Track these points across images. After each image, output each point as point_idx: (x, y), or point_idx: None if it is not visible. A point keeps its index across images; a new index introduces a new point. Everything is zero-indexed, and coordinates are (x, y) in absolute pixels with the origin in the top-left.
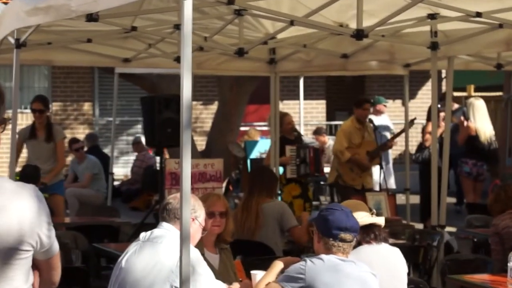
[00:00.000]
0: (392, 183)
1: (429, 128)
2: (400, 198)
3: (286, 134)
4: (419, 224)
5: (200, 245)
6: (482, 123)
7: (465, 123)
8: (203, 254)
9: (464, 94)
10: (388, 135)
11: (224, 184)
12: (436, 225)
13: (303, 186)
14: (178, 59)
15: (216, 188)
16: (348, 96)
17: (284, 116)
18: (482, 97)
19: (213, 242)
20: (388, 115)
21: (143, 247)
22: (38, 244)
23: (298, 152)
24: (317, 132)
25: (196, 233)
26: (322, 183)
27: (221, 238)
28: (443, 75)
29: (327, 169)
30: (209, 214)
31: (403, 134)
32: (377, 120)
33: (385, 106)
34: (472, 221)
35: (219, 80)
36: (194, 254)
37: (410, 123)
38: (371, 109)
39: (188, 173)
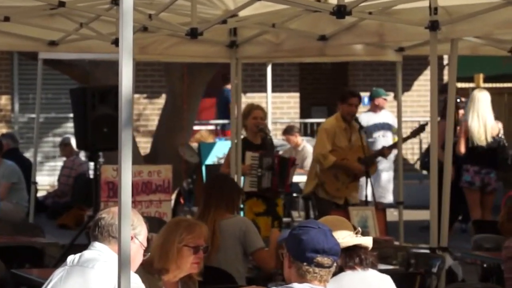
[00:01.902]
0: (389, 197)
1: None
2: (392, 214)
3: (251, 134)
4: (416, 245)
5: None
6: (473, 121)
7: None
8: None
9: (471, 85)
10: (390, 135)
11: (174, 196)
12: (436, 247)
13: (269, 201)
14: (116, 42)
15: (164, 201)
16: (327, 88)
17: (250, 110)
18: (493, 88)
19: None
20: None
21: (70, 273)
22: None
23: (260, 160)
24: (288, 131)
25: (136, 254)
26: (295, 195)
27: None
28: (445, 61)
29: (300, 179)
30: (194, 248)
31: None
32: (376, 117)
33: (385, 100)
34: (480, 242)
35: (168, 68)
36: (135, 281)
37: (420, 128)
38: (371, 104)
39: (128, 182)
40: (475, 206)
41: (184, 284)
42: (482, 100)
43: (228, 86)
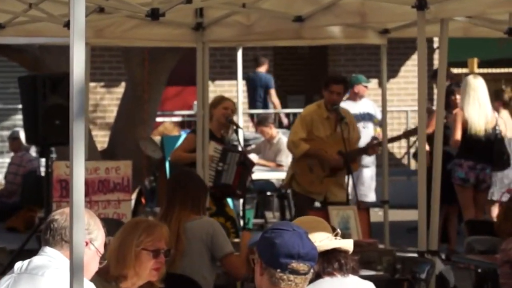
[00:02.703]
0: (371, 195)
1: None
2: (377, 214)
3: (216, 125)
4: (403, 249)
5: None
6: (473, 109)
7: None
8: None
9: (464, 70)
10: (372, 126)
11: (134, 196)
12: (424, 251)
13: (218, 200)
14: (69, 25)
15: (123, 200)
16: (305, 74)
17: (221, 100)
18: (489, 74)
19: None
20: (372, 100)
21: (18, 281)
22: None
23: (224, 154)
24: (262, 122)
25: (91, 261)
26: (269, 193)
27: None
28: (435, 45)
29: (275, 175)
30: (154, 252)
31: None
32: (356, 106)
33: (366, 87)
34: (474, 244)
35: (127, 54)
36: None
37: (415, 130)
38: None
39: (81, 179)
40: (468, 205)
41: None
42: (480, 87)
43: (261, 69)
